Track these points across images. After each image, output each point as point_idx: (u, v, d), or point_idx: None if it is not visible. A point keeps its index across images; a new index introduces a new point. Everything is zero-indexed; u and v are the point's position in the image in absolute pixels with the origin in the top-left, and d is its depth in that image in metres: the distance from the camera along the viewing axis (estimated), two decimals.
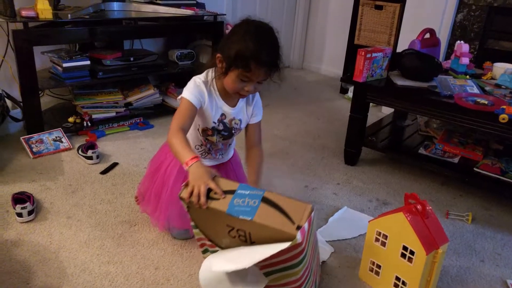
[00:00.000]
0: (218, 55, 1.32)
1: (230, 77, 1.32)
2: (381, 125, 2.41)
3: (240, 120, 1.47)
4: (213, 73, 1.40)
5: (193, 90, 1.37)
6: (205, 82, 1.39)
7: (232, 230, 1.14)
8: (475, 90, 1.89)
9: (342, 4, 3.71)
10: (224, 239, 1.19)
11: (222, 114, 1.43)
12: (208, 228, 1.22)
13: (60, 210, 1.67)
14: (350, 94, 3.25)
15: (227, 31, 2.97)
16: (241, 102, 1.46)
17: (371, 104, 2.14)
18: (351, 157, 2.21)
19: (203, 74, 1.43)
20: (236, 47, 1.26)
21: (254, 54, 1.26)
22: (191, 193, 1.14)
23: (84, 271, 1.36)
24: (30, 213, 1.58)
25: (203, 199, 1.13)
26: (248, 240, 1.14)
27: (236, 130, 1.50)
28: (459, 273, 1.48)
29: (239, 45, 1.26)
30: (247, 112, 1.49)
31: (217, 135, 1.47)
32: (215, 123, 1.43)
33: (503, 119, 1.62)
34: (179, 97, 1.39)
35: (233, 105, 1.44)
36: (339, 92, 3.51)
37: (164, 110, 2.72)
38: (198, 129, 1.46)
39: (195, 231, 1.25)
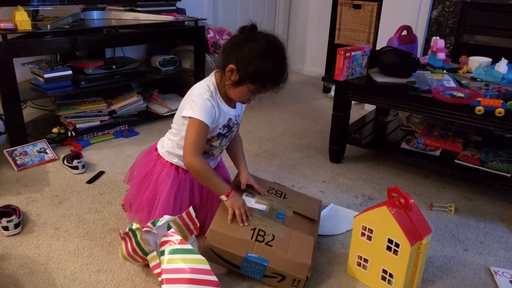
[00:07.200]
0: (232, 66, 1.32)
1: (241, 89, 1.35)
2: (364, 122, 2.45)
3: (239, 115, 1.53)
4: (214, 81, 1.42)
5: (206, 109, 1.37)
6: (211, 96, 1.40)
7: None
8: (452, 84, 1.94)
9: (322, 4, 3.75)
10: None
11: (229, 119, 1.47)
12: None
13: (47, 222, 1.66)
14: (333, 93, 3.28)
15: (208, 36, 3.03)
16: None
17: (353, 102, 2.17)
18: (336, 155, 2.24)
19: (205, 86, 1.42)
20: (255, 66, 1.30)
21: (273, 75, 1.33)
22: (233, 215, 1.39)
23: (74, 281, 1.36)
24: (16, 226, 1.58)
25: (244, 217, 1.39)
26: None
27: (236, 126, 1.55)
28: (444, 262, 1.51)
29: (258, 65, 1.30)
30: (242, 106, 1.55)
31: (222, 138, 1.50)
32: (221, 129, 1.46)
33: (479, 111, 1.67)
34: (189, 114, 1.37)
35: (234, 106, 1.49)
36: (322, 91, 3.55)
37: (149, 117, 2.73)
38: None
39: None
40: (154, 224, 1.30)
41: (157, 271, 1.29)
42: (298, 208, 1.56)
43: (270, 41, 1.34)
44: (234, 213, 1.39)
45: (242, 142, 1.66)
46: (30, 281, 1.36)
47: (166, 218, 1.30)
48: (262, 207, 1.49)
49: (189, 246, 1.24)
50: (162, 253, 1.25)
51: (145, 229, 1.28)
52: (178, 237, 1.26)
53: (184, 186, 1.52)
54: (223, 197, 1.41)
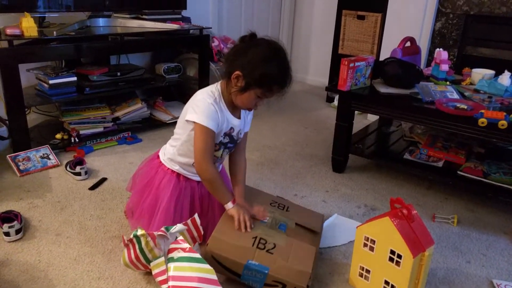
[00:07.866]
0: (238, 72, 1.34)
1: (248, 95, 1.37)
2: (367, 132, 2.45)
3: (242, 128, 1.53)
4: (220, 88, 1.43)
5: (211, 114, 1.37)
6: (215, 101, 1.40)
7: None
8: (455, 96, 1.94)
9: (326, 15, 3.78)
10: None
11: (231, 128, 1.47)
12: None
13: (49, 228, 1.66)
14: (336, 102, 3.29)
15: (213, 44, 3.04)
16: (243, 112, 1.51)
17: (356, 112, 2.18)
18: (338, 165, 2.24)
19: (209, 92, 1.43)
20: (260, 70, 1.32)
21: (278, 78, 1.35)
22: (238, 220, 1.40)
23: None
24: (17, 231, 1.57)
25: (248, 223, 1.40)
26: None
27: (239, 139, 1.55)
28: (446, 274, 1.50)
29: (263, 69, 1.32)
30: (246, 120, 1.55)
31: (224, 149, 1.50)
32: (222, 137, 1.46)
33: (482, 123, 1.67)
34: (193, 119, 1.37)
35: (238, 116, 1.49)
36: (325, 101, 3.56)
37: (152, 124, 2.73)
38: None
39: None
40: (167, 230, 1.30)
41: (160, 278, 1.29)
42: (300, 220, 1.55)
43: (272, 45, 1.36)
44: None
45: (246, 167, 1.61)
46: (31, 287, 1.35)
47: (179, 226, 1.30)
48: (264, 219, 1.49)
49: (197, 255, 1.24)
50: (170, 260, 1.25)
51: (159, 233, 1.28)
52: (187, 245, 1.26)
53: (185, 194, 1.52)
54: (229, 204, 1.42)
